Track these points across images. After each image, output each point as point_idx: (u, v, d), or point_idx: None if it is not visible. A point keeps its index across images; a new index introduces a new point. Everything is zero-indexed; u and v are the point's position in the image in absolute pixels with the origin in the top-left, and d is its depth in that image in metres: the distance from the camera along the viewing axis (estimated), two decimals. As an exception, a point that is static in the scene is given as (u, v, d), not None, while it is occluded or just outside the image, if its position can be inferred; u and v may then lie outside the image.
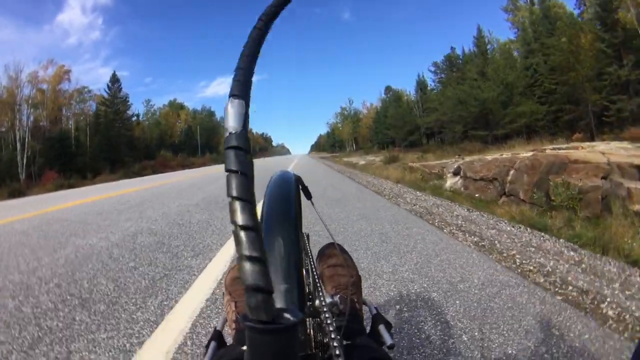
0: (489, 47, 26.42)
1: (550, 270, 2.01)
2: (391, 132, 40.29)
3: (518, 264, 2.15)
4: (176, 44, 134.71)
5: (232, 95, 0.26)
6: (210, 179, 11.69)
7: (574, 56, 16.39)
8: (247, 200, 0.22)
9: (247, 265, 0.21)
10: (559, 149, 9.47)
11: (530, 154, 7.31)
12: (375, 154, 32.77)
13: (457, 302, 1.66)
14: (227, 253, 2.64)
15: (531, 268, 2.06)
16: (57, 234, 3.77)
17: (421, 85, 39.78)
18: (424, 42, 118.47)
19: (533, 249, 2.41)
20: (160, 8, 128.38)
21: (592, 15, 18.95)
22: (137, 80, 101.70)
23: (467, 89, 19.77)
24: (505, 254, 2.33)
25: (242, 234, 0.21)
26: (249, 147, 0.24)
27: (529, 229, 3.05)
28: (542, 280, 1.89)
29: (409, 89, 53.72)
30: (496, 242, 2.62)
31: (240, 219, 0.21)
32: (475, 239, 2.72)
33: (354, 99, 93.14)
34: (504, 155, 8.14)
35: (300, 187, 0.66)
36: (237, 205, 0.22)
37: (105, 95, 36.92)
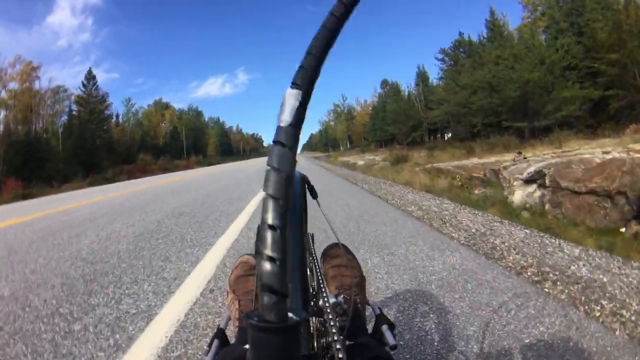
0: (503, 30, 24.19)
1: None
2: (391, 129, 37.50)
3: None
4: (167, 44, 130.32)
5: (292, 83, 0.24)
6: (154, 195, 7.59)
7: (625, 31, 13.82)
8: (280, 199, 0.21)
9: (267, 265, 0.20)
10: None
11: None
12: (373, 153, 30.25)
13: None
14: None
15: None
16: None
17: (422, 77, 37.16)
18: (420, 35, 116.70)
19: None
20: (149, 8, 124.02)
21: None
22: (128, 81, 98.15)
23: (501, 70, 16.67)
24: None
25: (268, 233, 0.21)
26: (296, 143, 0.23)
27: None
28: None
29: (405, 83, 51.47)
30: None
31: (269, 217, 0.21)
32: None
33: (347, 96, 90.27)
34: (616, 154, 5.50)
35: (306, 186, 0.65)
36: (270, 203, 0.21)
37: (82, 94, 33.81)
